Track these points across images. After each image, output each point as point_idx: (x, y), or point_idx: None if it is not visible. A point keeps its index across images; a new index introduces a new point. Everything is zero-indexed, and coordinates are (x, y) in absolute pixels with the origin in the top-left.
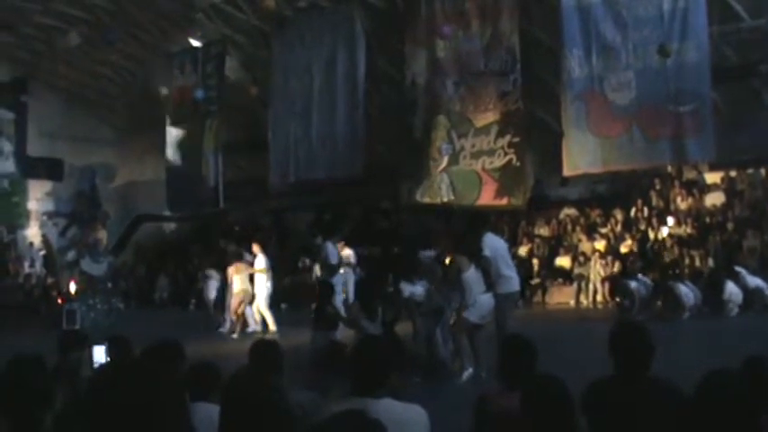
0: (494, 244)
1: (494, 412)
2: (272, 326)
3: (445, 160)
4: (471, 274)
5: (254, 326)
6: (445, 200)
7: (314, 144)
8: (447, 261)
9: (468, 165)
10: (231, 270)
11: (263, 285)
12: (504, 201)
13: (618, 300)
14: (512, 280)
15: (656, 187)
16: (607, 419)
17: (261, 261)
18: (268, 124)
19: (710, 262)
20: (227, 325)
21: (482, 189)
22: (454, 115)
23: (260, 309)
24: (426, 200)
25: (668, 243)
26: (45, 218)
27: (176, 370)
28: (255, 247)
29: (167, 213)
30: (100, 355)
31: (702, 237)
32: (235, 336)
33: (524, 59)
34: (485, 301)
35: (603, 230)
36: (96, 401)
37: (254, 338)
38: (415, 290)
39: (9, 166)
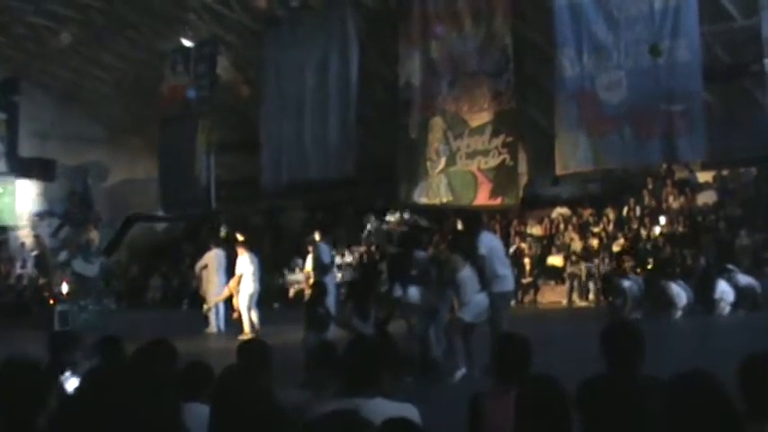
0: (490, 243)
1: (488, 411)
2: (246, 328)
3: (443, 161)
4: (466, 274)
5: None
6: (444, 200)
7: (306, 144)
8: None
9: (465, 165)
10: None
11: (248, 286)
12: (499, 201)
13: (610, 299)
14: (507, 279)
15: (649, 186)
16: (599, 418)
17: (242, 262)
18: (260, 124)
19: (702, 261)
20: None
21: (478, 189)
22: (449, 116)
23: (240, 309)
24: (425, 200)
25: (660, 242)
26: (37, 218)
27: (168, 370)
28: (240, 249)
29: (160, 213)
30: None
31: (694, 236)
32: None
33: (517, 59)
34: (479, 300)
35: (596, 229)
36: (89, 403)
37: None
38: (408, 290)
39: (0, 166)
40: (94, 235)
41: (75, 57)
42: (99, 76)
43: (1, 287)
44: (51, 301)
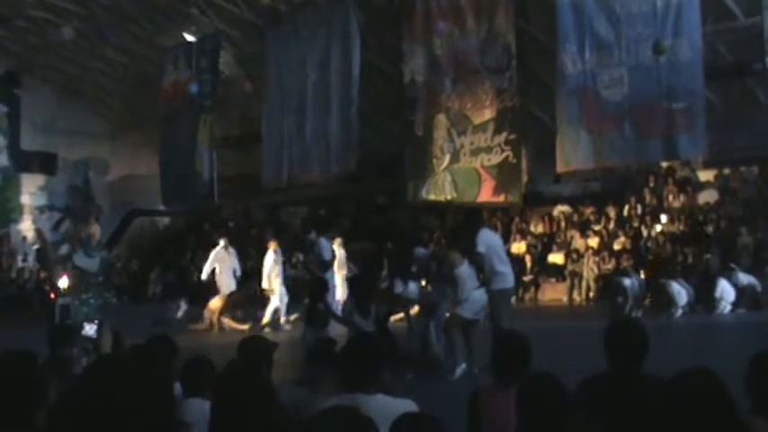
0: (489, 240)
1: (487, 408)
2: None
3: (447, 158)
4: (464, 270)
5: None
6: (449, 198)
7: (308, 139)
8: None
9: (469, 162)
10: None
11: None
12: (502, 198)
13: (611, 297)
14: (506, 276)
15: (650, 185)
16: (601, 416)
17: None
18: (262, 119)
19: (703, 259)
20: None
21: (481, 186)
22: (453, 113)
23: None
24: (432, 197)
25: (661, 240)
26: (38, 212)
27: (168, 365)
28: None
29: (161, 208)
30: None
31: (695, 234)
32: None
33: (520, 56)
34: (478, 296)
35: (597, 227)
36: (89, 397)
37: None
38: (408, 286)
39: (2, 159)
40: (95, 229)
41: (76, 51)
42: (101, 71)
43: (2, 281)
44: (52, 295)
